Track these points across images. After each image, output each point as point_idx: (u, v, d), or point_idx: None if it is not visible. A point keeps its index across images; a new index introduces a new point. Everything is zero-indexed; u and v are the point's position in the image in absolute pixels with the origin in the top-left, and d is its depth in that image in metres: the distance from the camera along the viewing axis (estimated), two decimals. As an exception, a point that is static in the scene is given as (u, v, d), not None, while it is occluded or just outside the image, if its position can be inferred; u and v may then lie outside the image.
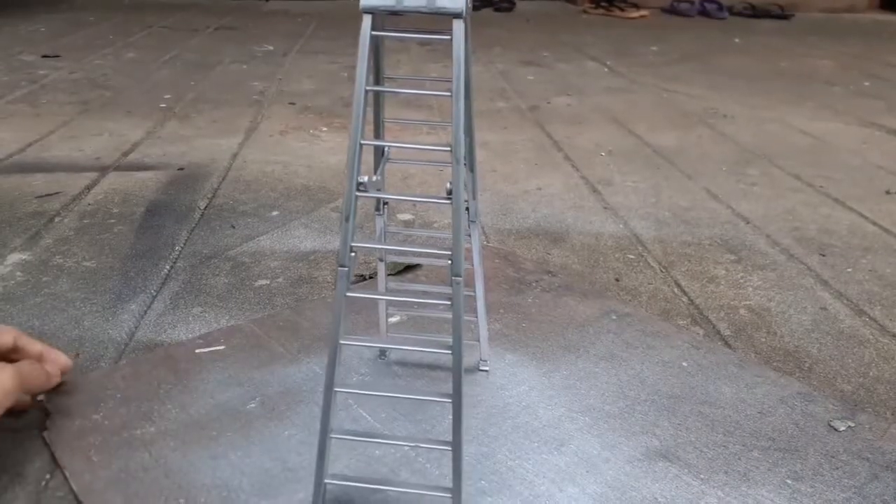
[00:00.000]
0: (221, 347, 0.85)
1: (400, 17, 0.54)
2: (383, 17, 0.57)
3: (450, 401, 0.55)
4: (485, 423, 0.74)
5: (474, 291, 0.79)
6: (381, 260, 0.78)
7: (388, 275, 1.04)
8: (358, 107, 0.53)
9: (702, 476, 0.68)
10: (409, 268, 1.08)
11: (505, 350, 0.88)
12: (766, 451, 0.71)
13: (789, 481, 0.67)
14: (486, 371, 0.83)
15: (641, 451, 0.71)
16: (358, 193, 0.54)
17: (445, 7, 0.51)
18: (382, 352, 0.84)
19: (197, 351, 0.84)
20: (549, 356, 0.87)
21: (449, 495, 0.57)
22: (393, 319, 0.93)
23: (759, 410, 0.78)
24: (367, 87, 0.53)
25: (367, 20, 0.52)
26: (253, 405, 0.75)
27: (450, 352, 0.55)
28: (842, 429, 0.75)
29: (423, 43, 3.05)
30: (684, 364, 0.86)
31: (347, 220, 0.54)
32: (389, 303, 0.93)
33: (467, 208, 0.75)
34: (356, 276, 1.05)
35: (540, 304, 0.99)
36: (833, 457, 0.71)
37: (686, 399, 0.79)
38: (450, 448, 0.56)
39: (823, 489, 0.67)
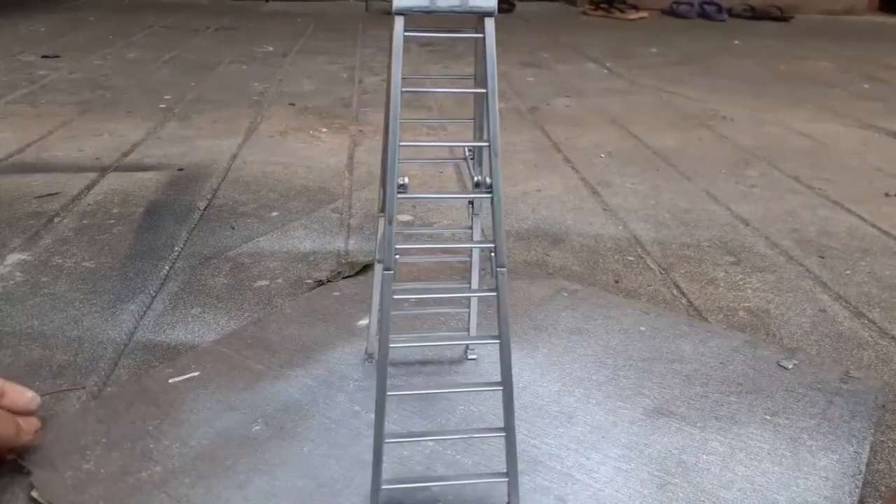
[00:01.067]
0: (196, 374, 0.81)
1: (410, 17, 0.54)
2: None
3: (500, 389, 0.57)
4: (496, 407, 0.76)
5: (469, 283, 0.80)
6: (378, 261, 0.78)
7: (345, 276, 1.04)
8: (395, 108, 0.53)
9: (699, 425, 0.75)
10: (364, 268, 1.07)
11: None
12: (740, 394, 0.80)
13: (768, 417, 0.76)
14: (474, 359, 0.85)
15: (640, 411, 0.77)
16: (399, 196, 0.54)
17: (479, 6, 0.51)
18: (370, 355, 0.84)
19: (171, 381, 0.80)
20: (524, 337, 0.90)
21: (505, 479, 0.59)
22: (362, 322, 0.92)
23: (719, 361, 0.86)
24: (405, 90, 0.53)
25: (399, 21, 0.52)
26: (257, 427, 0.73)
27: (497, 341, 0.57)
28: (790, 367, 0.85)
29: (422, 43, 3.06)
30: (642, 329, 0.93)
31: (391, 223, 0.54)
32: (360, 307, 0.93)
33: (470, 202, 0.76)
34: (315, 281, 1.05)
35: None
36: (792, 391, 0.81)
37: (657, 360, 0.86)
38: (503, 434, 0.58)
39: (796, 419, 0.76)
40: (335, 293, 1.00)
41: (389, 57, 0.59)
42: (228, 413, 0.75)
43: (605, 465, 0.69)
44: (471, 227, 0.77)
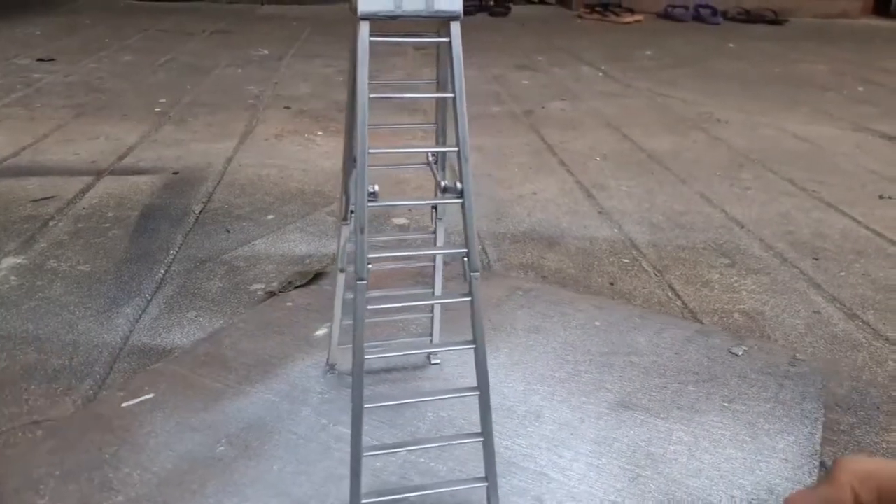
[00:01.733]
0: (150, 396, 0.77)
1: (385, 21, 0.54)
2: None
3: (476, 394, 0.57)
4: (468, 413, 0.76)
5: (432, 288, 0.80)
6: (341, 271, 0.77)
7: (297, 286, 1.03)
8: (362, 114, 0.53)
9: (662, 416, 0.77)
10: (316, 276, 1.06)
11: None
12: (697, 384, 0.82)
13: (726, 404, 0.79)
14: (438, 363, 0.85)
15: (604, 406, 0.78)
16: (369, 204, 0.54)
17: (443, 10, 0.52)
18: (331, 366, 0.83)
19: (124, 405, 0.76)
20: (485, 338, 0.90)
21: (485, 484, 0.59)
22: (319, 333, 0.91)
23: (674, 352, 0.88)
24: (372, 95, 0.53)
25: (364, 27, 0.52)
26: (222, 448, 0.70)
27: (472, 346, 0.57)
28: (740, 353, 0.88)
29: (417, 47, 3.06)
30: (597, 324, 0.95)
31: (363, 231, 0.53)
32: (315, 318, 0.93)
33: (435, 207, 0.75)
34: (266, 293, 1.03)
35: (449, 292, 1.00)
36: (745, 377, 0.84)
37: (614, 354, 0.88)
38: (481, 439, 0.58)
39: (752, 404, 0.79)
40: (288, 304, 0.98)
41: (352, 62, 0.58)
42: (189, 434, 0.71)
43: (577, 462, 0.70)
44: (434, 232, 0.76)
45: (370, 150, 0.53)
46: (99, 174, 1.51)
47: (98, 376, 0.83)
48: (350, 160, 0.68)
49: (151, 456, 0.68)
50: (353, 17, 0.52)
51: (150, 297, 1.02)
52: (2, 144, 1.68)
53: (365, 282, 0.54)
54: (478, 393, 0.57)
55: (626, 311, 0.98)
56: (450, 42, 0.53)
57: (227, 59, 2.79)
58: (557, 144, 1.83)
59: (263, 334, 0.90)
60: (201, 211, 1.33)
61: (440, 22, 0.54)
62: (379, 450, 0.60)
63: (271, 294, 1.02)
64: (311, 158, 1.66)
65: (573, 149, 1.79)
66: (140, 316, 0.97)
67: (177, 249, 1.17)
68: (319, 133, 1.87)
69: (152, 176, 1.51)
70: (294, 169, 1.58)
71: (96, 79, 2.40)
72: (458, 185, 0.54)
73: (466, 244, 0.55)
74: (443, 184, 0.56)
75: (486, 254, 1.18)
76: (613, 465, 0.69)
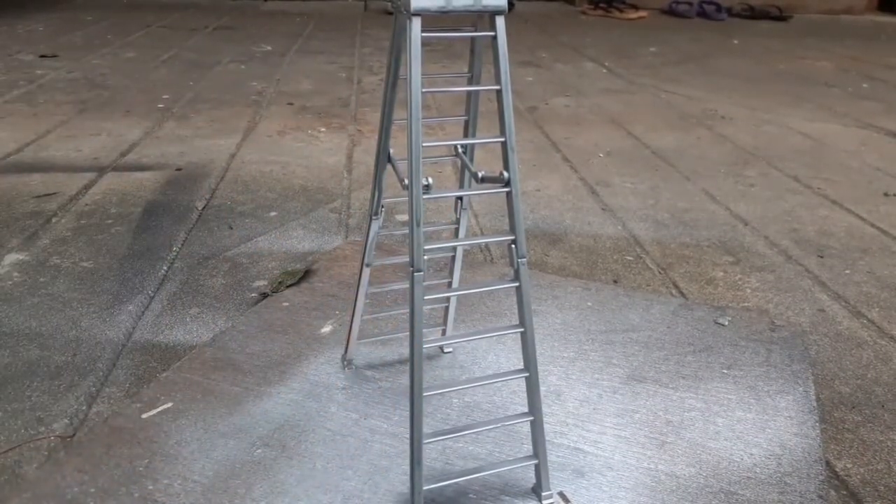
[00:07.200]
0: (169, 405, 0.76)
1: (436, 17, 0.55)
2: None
3: (525, 375, 0.60)
4: (492, 396, 0.79)
5: (451, 277, 0.81)
6: (367, 265, 0.77)
7: (288, 285, 1.03)
8: (416, 109, 0.54)
9: (671, 386, 0.80)
10: (306, 274, 1.06)
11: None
12: (695, 353, 0.86)
13: (725, 371, 0.83)
14: (450, 352, 0.87)
15: (617, 381, 0.82)
16: (425, 196, 0.55)
17: (490, 4, 0.54)
18: (349, 362, 0.83)
19: (144, 416, 0.74)
20: (486, 324, 0.94)
21: (535, 461, 0.63)
22: (326, 329, 0.91)
23: (666, 326, 0.93)
24: (424, 90, 0.54)
25: (416, 22, 0.53)
26: (259, 451, 0.69)
27: (521, 329, 0.59)
28: (726, 324, 0.93)
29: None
30: (589, 304, 0.98)
31: (419, 224, 0.54)
32: (316, 315, 0.93)
33: (460, 198, 0.76)
34: (259, 294, 1.02)
35: (439, 282, 1.01)
36: (736, 345, 0.88)
37: (612, 331, 0.92)
38: (530, 419, 0.61)
39: (749, 369, 0.84)
40: (284, 304, 0.97)
41: (390, 57, 0.59)
42: (222, 440, 0.71)
43: (605, 435, 0.73)
44: (457, 224, 0.77)
45: (425, 144, 0.54)
46: (101, 170, 1.51)
47: (101, 373, 0.83)
48: (384, 155, 0.68)
49: (188, 464, 0.68)
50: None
51: (152, 294, 1.02)
52: (4, 141, 1.68)
53: (422, 272, 0.55)
54: (526, 374, 0.59)
55: (612, 290, 1.02)
56: (495, 36, 0.54)
57: (229, 56, 2.79)
58: (561, 141, 1.82)
59: (268, 335, 0.90)
60: (204, 207, 1.33)
61: (475, 17, 0.55)
62: (439, 436, 0.61)
63: (265, 295, 1.01)
64: (314, 155, 1.66)
65: (577, 145, 1.79)
66: (143, 313, 0.97)
67: (179, 246, 1.17)
68: (322, 129, 1.87)
69: (155, 172, 1.51)
70: (297, 166, 1.58)
71: (99, 75, 2.40)
72: (505, 174, 0.56)
73: (513, 231, 0.56)
74: (480, 174, 0.57)
75: (489, 250, 1.18)
76: (639, 434, 0.73)
